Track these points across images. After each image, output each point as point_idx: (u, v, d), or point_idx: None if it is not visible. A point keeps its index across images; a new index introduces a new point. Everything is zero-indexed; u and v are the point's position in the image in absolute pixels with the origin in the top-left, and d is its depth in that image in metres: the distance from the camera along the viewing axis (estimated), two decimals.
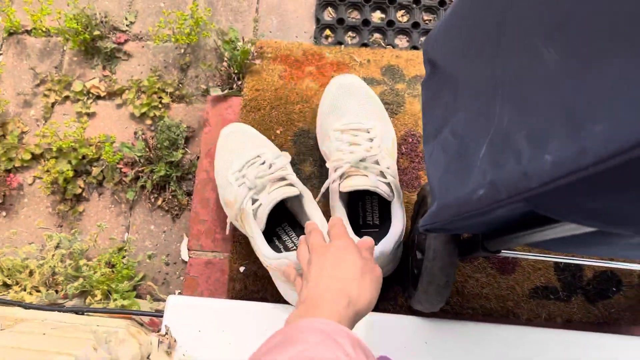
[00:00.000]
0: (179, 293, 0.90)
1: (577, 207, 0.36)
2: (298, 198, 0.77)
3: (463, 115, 0.52)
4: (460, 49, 0.54)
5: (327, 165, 0.79)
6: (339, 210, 0.78)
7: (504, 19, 0.43)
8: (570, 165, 0.30)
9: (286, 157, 0.78)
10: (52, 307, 0.77)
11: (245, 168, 0.77)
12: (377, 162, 0.77)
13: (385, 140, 0.82)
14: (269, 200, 0.72)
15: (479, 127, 0.46)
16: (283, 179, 0.75)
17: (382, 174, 0.76)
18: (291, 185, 0.75)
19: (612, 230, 0.40)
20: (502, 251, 0.63)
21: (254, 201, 0.73)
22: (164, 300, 0.89)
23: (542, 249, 0.63)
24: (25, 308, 0.76)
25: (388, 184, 0.76)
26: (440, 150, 0.57)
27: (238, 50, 0.92)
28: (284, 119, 0.90)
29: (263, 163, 0.76)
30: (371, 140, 0.79)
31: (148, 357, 0.71)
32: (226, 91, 0.93)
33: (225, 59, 0.95)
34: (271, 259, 0.71)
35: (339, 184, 0.77)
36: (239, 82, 0.94)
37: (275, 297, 0.83)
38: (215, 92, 0.92)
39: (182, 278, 0.92)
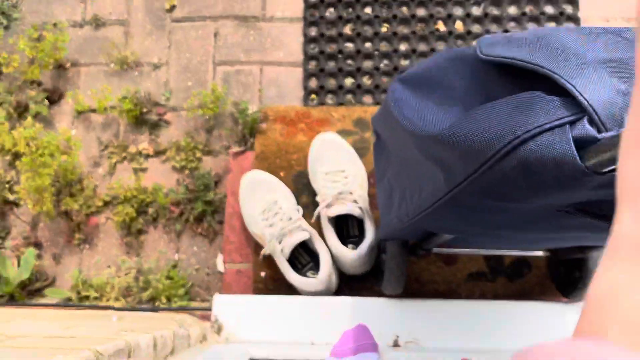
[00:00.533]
0: (219, 293, 1.26)
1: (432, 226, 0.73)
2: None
3: (391, 172, 0.89)
4: (388, 131, 0.90)
5: (317, 199, 1.15)
6: (329, 229, 1.14)
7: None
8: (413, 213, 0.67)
9: (300, 211, 1.15)
10: (135, 308, 1.13)
11: (267, 212, 1.14)
12: (350, 193, 1.13)
13: (357, 177, 1.18)
14: (290, 243, 1.10)
15: (399, 183, 0.83)
16: (299, 227, 1.12)
17: (355, 201, 1.12)
18: (304, 230, 1.12)
19: (455, 235, 0.77)
20: (433, 249, 1.00)
21: (280, 242, 1.10)
22: (208, 300, 1.25)
23: (454, 244, 1.00)
24: (115, 310, 1.12)
25: (360, 208, 1.12)
26: (382, 190, 0.94)
27: (249, 117, 1.29)
28: (286, 165, 1.26)
29: (280, 210, 1.14)
30: (346, 178, 1.15)
31: (205, 338, 1.06)
32: (242, 147, 1.29)
33: (240, 123, 1.31)
34: (296, 281, 1.09)
35: (327, 210, 1.13)
36: (252, 140, 1.30)
37: (287, 292, 1.18)
38: (235, 148, 1.29)
39: (220, 284, 1.28)
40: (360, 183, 1.18)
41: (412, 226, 0.77)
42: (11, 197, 1.34)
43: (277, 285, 1.20)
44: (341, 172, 1.16)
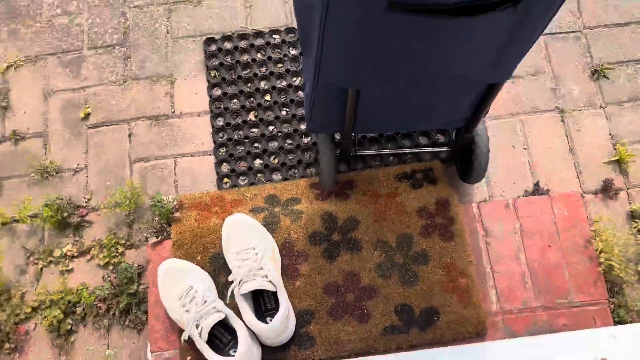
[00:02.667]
0: None
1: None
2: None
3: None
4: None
5: (229, 278, 1.23)
6: (244, 306, 1.21)
7: None
8: None
9: (213, 292, 1.23)
10: None
11: (183, 298, 1.20)
12: (261, 269, 1.21)
13: (267, 251, 1.26)
14: (207, 325, 1.16)
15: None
16: (214, 308, 1.19)
17: (265, 276, 1.20)
18: (219, 311, 1.19)
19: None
20: (358, 152, 1.38)
21: (197, 326, 1.16)
22: None
23: (370, 132, 1.39)
24: None
25: (270, 282, 1.20)
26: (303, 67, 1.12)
27: (164, 207, 1.37)
28: (201, 249, 1.34)
29: (196, 294, 1.20)
30: (256, 254, 1.24)
31: None
32: (160, 237, 1.37)
33: (157, 215, 1.40)
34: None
35: (239, 289, 1.20)
36: (168, 229, 1.38)
37: None
38: (152, 239, 1.36)
39: None
40: (270, 257, 1.26)
41: (322, 90, 0.99)
42: None
43: None
44: (251, 250, 1.25)
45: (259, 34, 1.60)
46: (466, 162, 1.34)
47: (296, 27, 1.15)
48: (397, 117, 1.16)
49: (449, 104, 1.09)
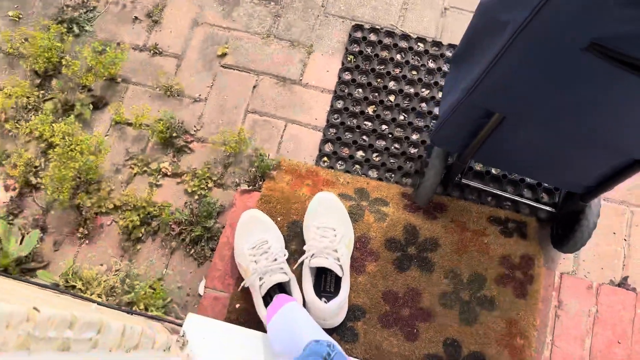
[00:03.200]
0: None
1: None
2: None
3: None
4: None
5: (304, 247, 1.25)
6: (307, 278, 1.23)
7: None
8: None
9: (285, 254, 1.26)
10: (111, 305, 1.21)
11: (256, 249, 1.24)
12: (335, 251, 1.23)
13: (345, 238, 1.28)
14: (269, 281, 1.19)
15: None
16: (281, 269, 1.22)
17: (338, 259, 1.22)
18: (285, 273, 1.22)
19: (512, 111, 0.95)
20: (463, 180, 1.37)
21: (260, 279, 1.19)
22: (182, 319, 1.32)
23: (488, 164, 1.37)
24: (95, 302, 1.20)
25: (340, 266, 1.22)
26: (450, 75, 1.15)
27: (264, 162, 1.42)
28: (284, 212, 1.37)
29: (269, 250, 1.24)
30: (335, 236, 1.26)
31: (169, 348, 1.13)
32: (251, 187, 1.42)
33: (255, 166, 1.44)
34: (264, 318, 1.18)
35: (310, 261, 1.22)
36: (261, 183, 1.43)
37: (257, 327, 1.26)
38: (244, 186, 1.41)
39: (196, 306, 1.35)
40: (346, 244, 1.28)
41: (465, 107, 0.98)
42: (34, 181, 1.47)
43: (249, 319, 1.27)
44: (332, 230, 1.27)
45: (405, 36, 1.63)
46: (566, 229, 1.30)
47: (462, 39, 1.14)
48: (522, 158, 1.15)
49: (582, 166, 1.07)
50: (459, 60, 1.14)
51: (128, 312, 1.20)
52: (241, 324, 1.27)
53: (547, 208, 1.37)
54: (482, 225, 1.39)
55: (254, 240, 1.26)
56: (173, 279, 1.38)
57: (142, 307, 1.29)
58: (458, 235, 1.37)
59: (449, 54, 1.62)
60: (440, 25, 1.66)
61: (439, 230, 1.37)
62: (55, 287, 1.22)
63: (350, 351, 1.25)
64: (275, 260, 1.22)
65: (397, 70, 1.60)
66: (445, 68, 1.60)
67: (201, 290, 1.36)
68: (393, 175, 1.49)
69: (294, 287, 1.23)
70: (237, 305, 1.29)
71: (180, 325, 1.21)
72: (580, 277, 1.38)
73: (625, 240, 1.43)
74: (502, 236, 1.38)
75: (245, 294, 1.28)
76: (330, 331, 1.27)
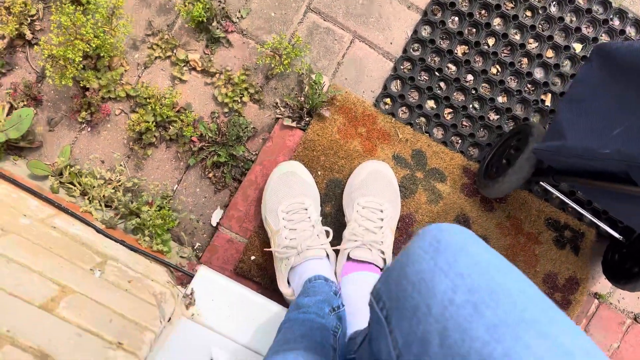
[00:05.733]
0: (200, 247, 1.20)
1: None
2: None
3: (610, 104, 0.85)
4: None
5: (345, 233, 1.07)
6: (339, 263, 1.08)
7: None
8: None
9: (330, 234, 1.06)
10: (116, 239, 1.05)
11: (293, 213, 1.05)
12: (381, 242, 1.06)
13: (392, 220, 1.10)
14: (304, 257, 1.01)
15: (620, 116, 0.79)
16: (322, 244, 1.04)
17: (382, 252, 1.06)
18: (324, 249, 1.04)
19: None
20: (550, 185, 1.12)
21: (298, 253, 1.02)
22: (188, 246, 1.19)
23: (587, 197, 1.16)
24: (97, 231, 1.04)
25: (384, 259, 1.06)
26: (580, 114, 0.89)
27: (317, 94, 1.14)
28: (328, 166, 1.16)
29: (308, 219, 1.04)
30: (382, 219, 1.07)
31: (173, 312, 1.02)
32: (295, 123, 1.16)
33: (304, 95, 1.17)
34: (287, 295, 1.04)
35: (351, 252, 1.05)
36: (307, 119, 1.17)
37: (268, 286, 1.14)
38: (287, 122, 1.15)
39: (205, 235, 1.21)
40: (392, 227, 1.11)
41: (615, 164, 0.77)
42: (29, 36, 1.16)
43: (261, 274, 1.15)
44: (378, 211, 1.08)
45: None
46: (627, 261, 1.16)
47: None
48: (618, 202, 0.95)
49: None
50: (624, 96, 0.85)
51: (132, 249, 1.06)
52: (251, 278, 1.15)
53: (616, 235, 1.21)
54: (538, 228, 1.23)
55: (290, 202, 1.07)
56: (184, 200, 1.20)
57: (146, 234, 1.13)
58: (511, 239, 1.21)
59: (594, 9, 1.24)
60: None
61: (492, 228, 1.21)
62: (49, 199, 1.04)
63: None
64: (313, 228, 1.05)
65: (510, 5, 1.23)
66: (569, 20, 1.24)
67: (214, 221, 1.20)
68: (460, 142, 1.25)
69: (330, 267, 1.07)
70: (252, 257, 1.15)
71: (189, 274, 1.08)
72: (615, 303, 1.29)
73: None
74: (555, 247, 1.23)
75: (262, 246, 1.14)
76: None
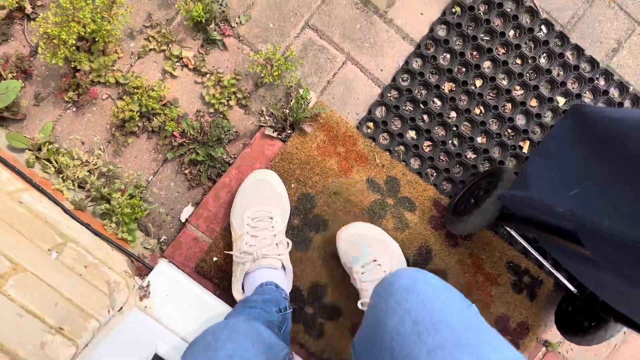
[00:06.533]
0: (166, 240, 1.22)
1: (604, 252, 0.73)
2: None
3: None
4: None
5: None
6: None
7: None
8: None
9: (289, 245, 1.07)
10: (82, 223, 1.06)
11: (258, 220, 1.06)
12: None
13: (392, 262, 1.11)
14: (259, 264, 1.03)
15: (580, 178, 0.81)
16: (279, 255, 1.05)
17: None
18: (279, 260, 1.05)
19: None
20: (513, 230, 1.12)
21: (254, 260, 1.03)
22: (154, 238, 1.20)
23: (545, 247, 1.09)
24: (64, 211, 1.05)
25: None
26: (547, 169, 0.91)
27: (302, 109, 1.17)
28: (302, 180, 1.18)
29: (272, 228, 1.05)
30: (379, 265, 1.09)
31: (125, 303, 1.03)
32: (276, 134, 1.18)
33: (290, 107, 1.19)
34: (238, 299, 1.05)
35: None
36: (289, 132, 1.19)
37: (226, 288, 1.16)
38: (269, 132, 1.17)
39: (172, 230, 1.22)
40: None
41: (567, 223, 0.79)
42: (28, 9, 1.17)
43: (220, 276, 1.17)
44: (366, 256, 1.10)
45: (531, 11, 1.26)
46: (579, 315, 1.19)
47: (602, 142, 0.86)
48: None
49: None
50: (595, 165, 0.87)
51: (96, 234, 1.07)
52: (211, 278, 1.17)
53: (572, 288, 1.24)
54: (498, 270, 1.26)
55: (257, 209, 1.09)
56: (157, 192, 1.22)
57: (113, 220, 1.14)
58: (470, 276, 1.23)
59: (582, 67, 1.28)
60: (581, 15, 1.28)
61: (452, 263, 1.23)
62: (24, 174, 1.05)
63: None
64: (274, 237, 1.06)
65: (502, 51, 1.26)
66: (556, 74, 1.28)
67: (183, 217, 1.22)
68: (435, 175, 1.27)
69: (284, 278, 1.09)
70: (215, 259, 1.17)
71: (148, 267, 1.10)
72: (563, 353, 1.31)
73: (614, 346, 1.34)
74: (512, 291, 1.26)
75: (226, 249, 1.16)
76: None
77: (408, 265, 1.21)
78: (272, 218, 1.08)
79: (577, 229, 0.77)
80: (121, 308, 0.96)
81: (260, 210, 1.08)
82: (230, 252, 1.09)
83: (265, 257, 1.04)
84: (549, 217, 0.86)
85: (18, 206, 0.94)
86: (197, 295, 1.08)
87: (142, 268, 1.12)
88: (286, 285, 1.08)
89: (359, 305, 1.06)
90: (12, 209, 0.90)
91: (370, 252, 1.08)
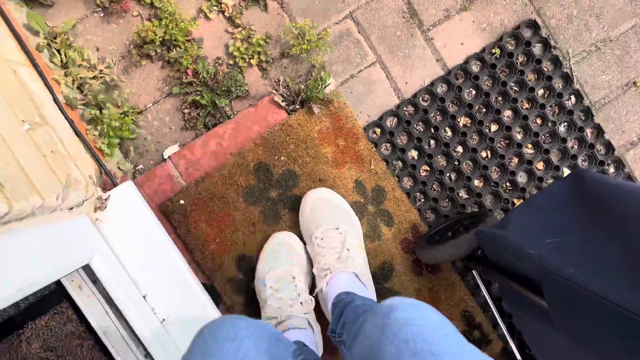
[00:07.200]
0: (142, 169, 1.19)
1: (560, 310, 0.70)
2: None
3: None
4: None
5: (314, 271, 1.07)
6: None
7: None
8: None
9: (312, 302, 1.04)
10: (66, 115, 1.04)
11: (281, 281, 1.04)
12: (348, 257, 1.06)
13: (354, 238, 1.09)
14: (285, 326, 1.00)
15: (561, 232, 0.78)
16: (306, 318, 1.02)
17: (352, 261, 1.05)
18: (307, 321, 1.02)
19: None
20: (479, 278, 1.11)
21: (279, 323, 1.01)
22: (131, 163, 1.18)
23: (506, 302, 1.09)
24: (54, 100, 1.03)
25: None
26: (530, 217, 0.89)
27: (319, 90, 1.16)
28: (293, 156, 1.16)
29: (294, 287, 1.03)
30: (343, 241, 1.07)
31: (84, 201, 1.00)
32: (284, 104, 1.17)
33: (307, 84, 1.18)
34: None
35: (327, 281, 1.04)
36: (296, 106, 1.18)
37: (182, 235, 1.13)
38: (278, 99, 1.16)
39: (152, 162, 1.20)
40: (357, 244, 1.10)
41: (533, 271, 0.77)
42: None
43: (181, 220, 1.14)
44: (338, 234, 1.08)
45: (566, 77, 1.26)
46: None
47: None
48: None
49: None
50: (591, 218, 0.85)
51: (77, 135, 1.05)
52: (171, 220, 1.14)
53: (519, 357, 1.20)
54: (452, 314, 1.22)
55: (279, 272, 1.06)
56: (151, 119, 1.20)
57: (97, 128, 1.12)
58: None
59: (597, 148, 1.27)
60: (612, 98, 1.28)
61: (409, 290, 1.20)
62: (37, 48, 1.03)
63: None
64: (298, 296, 1.03)
65: (526, 106, 1.26)
66: (570, 145, 1.27)
67: (167, 154, 1.19)
68: (422, 200, 1.25)
69: (313, 339, 1.03)
70: (182, 202, 1.14)
71: (115, 184, 1.07)
72: None
73: None
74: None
75: (196, 199, 1.13)
76: None
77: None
78: (294, 277, 1.05)
79: (541, 274, 0.74)
80: (72, 208, 0.93)
81: (281, 272, 1.06)
82: (263, 316, 1.07)
83: (292, 317, 1.01)
84: (517, 261, 0.84)
85: (11, 74, 0.92)
86: (152, 228, 1.05)
87: (108, 185, 1.10)
88: (316, 346, 1.04)
89: (313, 270, 1.04)
90: (3, 74, 0.88)
91: (334, 219, 1.05)
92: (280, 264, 1.06)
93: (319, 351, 1.04)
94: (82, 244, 0.94)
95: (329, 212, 1.09)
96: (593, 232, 0.75)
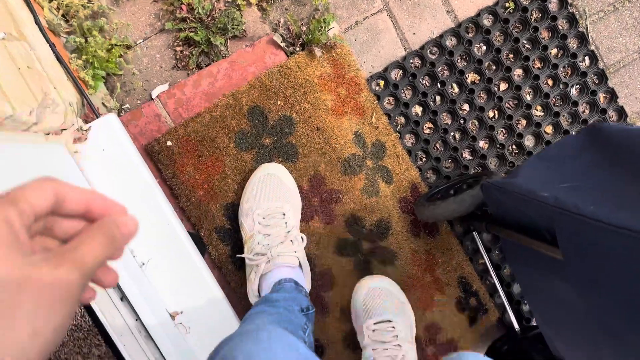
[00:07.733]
0: (128, 108, 1.11)
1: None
2: None
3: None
4: None
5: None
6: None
7: None
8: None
9: (304, 240, 1.00)
10: (47, 39, 0.96)
11: (270, 217, 0.97)
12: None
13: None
14: (275, 264, 0.94)
15: (578, 178, 0.74)
16: (295, 252, 0.96)
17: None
18: (297, 257, 0.97)
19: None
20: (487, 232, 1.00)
21: (269, 260, 0.95)
22: (117, 102, 1.10)
23: (505, 253, 1.04)
24: (35, 21, 0.95)
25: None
26: (542, 167, 0.82)
27: (321, 33, 1.08)
28: (290, 101, 1.09)
29: (285, 224, 0.97)
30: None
31: (63, 131, 0.92)
32: (283, 45, 1.10)
33: (308, 26, 1.11)
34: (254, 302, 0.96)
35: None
36: (297, 48, 1.11)
37: (166, 178, 1.06)
38: (277, 38, 1.09)
39: (139, 102, 1.12)
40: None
41: (547, 214, 0.70)
42: None
43: (168, 163, 1.06)
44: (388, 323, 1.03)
45: (582, 37, 1.19)
46: (510, 358, 1.10)
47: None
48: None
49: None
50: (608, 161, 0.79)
51: (57, 58, 0.97)
52: (157, 162, 1.06)
53: (516, 325, 1.15)
54: (449, 280, 1.16)
55: (268, 207, 0.99)
56: (139, 56, 1.12)
57: (82, 59, 1.04)
58: (418, 271, 1.14)
59: (609, 113, 1.21)
60: (628, 62, 1.22)
61: (405, 251, 1.14)
62: None
63: None
64: (288, 233, 0.98)
65: (538, 65, 1.20)
66: (582, 110, 1.21)
67: (155, 93, 1.12)
68: (424, 159, 1.19)
69: (302, 276, 1.00)
70: (169, 143, 1.07)
71: (97, 116, 0.99)
72: None
73: None
74: (455, 306, 1.16)
75: (184, 139, 1.06)
76: None
77: (356, 227, 1.12)
78: (284, 214, 0.99)
79: (554, 218, 0.68)
80: (49, 134, 0.86)
81: (272, 207, 0.99)
82: (243, 255, 1.00)
83: (281, 255, 0.95)
84: (525, 207, 0.77)
85: None
86: (135, 166, 0.97)
87: (90, 117, 1.02)
88: (305, 283, 0.99)
89: None
90: None
91: (389, 310, 1.02)
92: (269, 199, 1.00)
93: (307, 288, 1.00)
94: (57, 176, 0.86)
95: (385, 303, 1.05)
96: (615, 171, 0.69)
